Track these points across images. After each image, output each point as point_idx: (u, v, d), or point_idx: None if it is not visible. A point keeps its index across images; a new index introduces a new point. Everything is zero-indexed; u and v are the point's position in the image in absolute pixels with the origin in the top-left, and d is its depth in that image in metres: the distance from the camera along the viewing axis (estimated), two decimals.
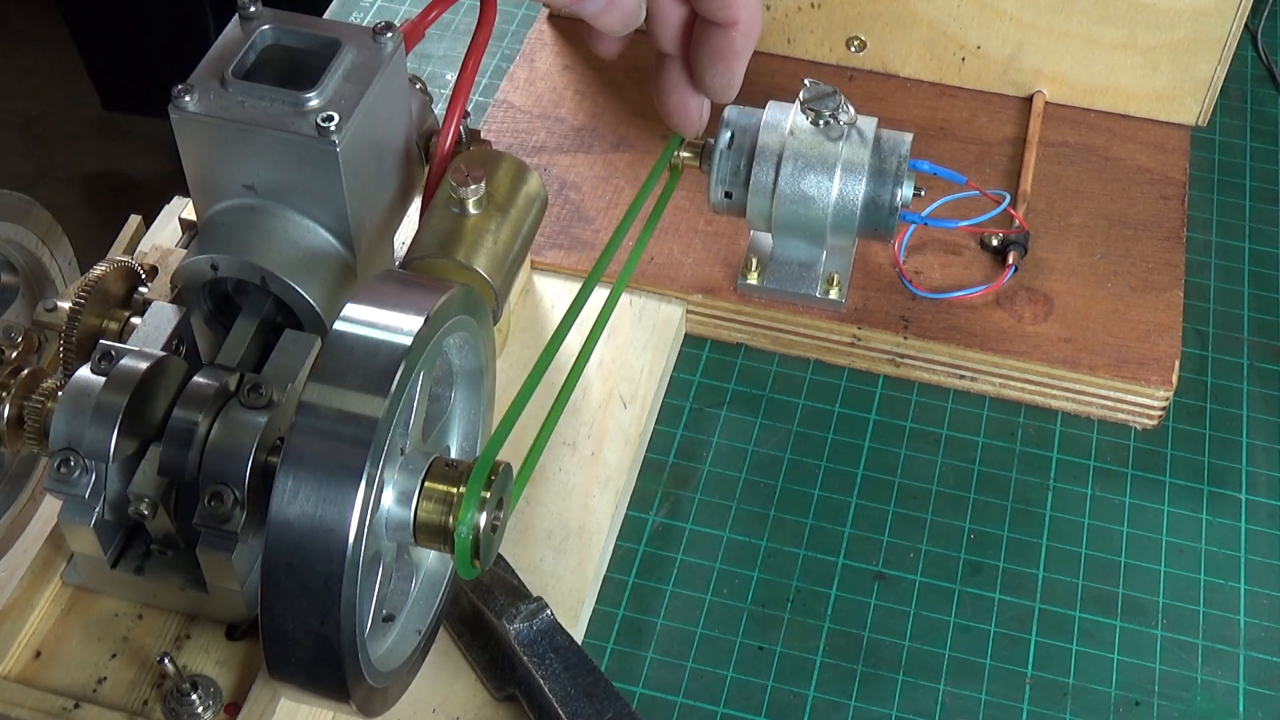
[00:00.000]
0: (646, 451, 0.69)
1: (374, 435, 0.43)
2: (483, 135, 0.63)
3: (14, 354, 0.54)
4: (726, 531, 0.66)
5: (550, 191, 0.76)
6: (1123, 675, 0.62)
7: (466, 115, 0.60)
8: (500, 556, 0.61)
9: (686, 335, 0.74)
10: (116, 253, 0.63)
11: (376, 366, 0.44)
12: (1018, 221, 0.76)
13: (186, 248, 0.57)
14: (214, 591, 0.51)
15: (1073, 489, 0.69)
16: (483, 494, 0.47)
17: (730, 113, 0.71)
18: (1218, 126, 0.86)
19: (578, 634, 0.61)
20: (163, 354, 0.51)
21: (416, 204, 0.62)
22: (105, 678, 0.51)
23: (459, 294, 0.49)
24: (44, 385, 0.53)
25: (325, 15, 0.88)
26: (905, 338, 0.72)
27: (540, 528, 0.64)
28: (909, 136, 0.70)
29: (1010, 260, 0.74)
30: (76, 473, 0.49)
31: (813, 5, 0.84)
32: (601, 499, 0.65)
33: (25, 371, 0.53)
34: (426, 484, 0.48)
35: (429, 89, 0.64)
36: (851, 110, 0.69)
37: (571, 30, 0.88)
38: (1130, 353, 0.71)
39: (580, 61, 0.86)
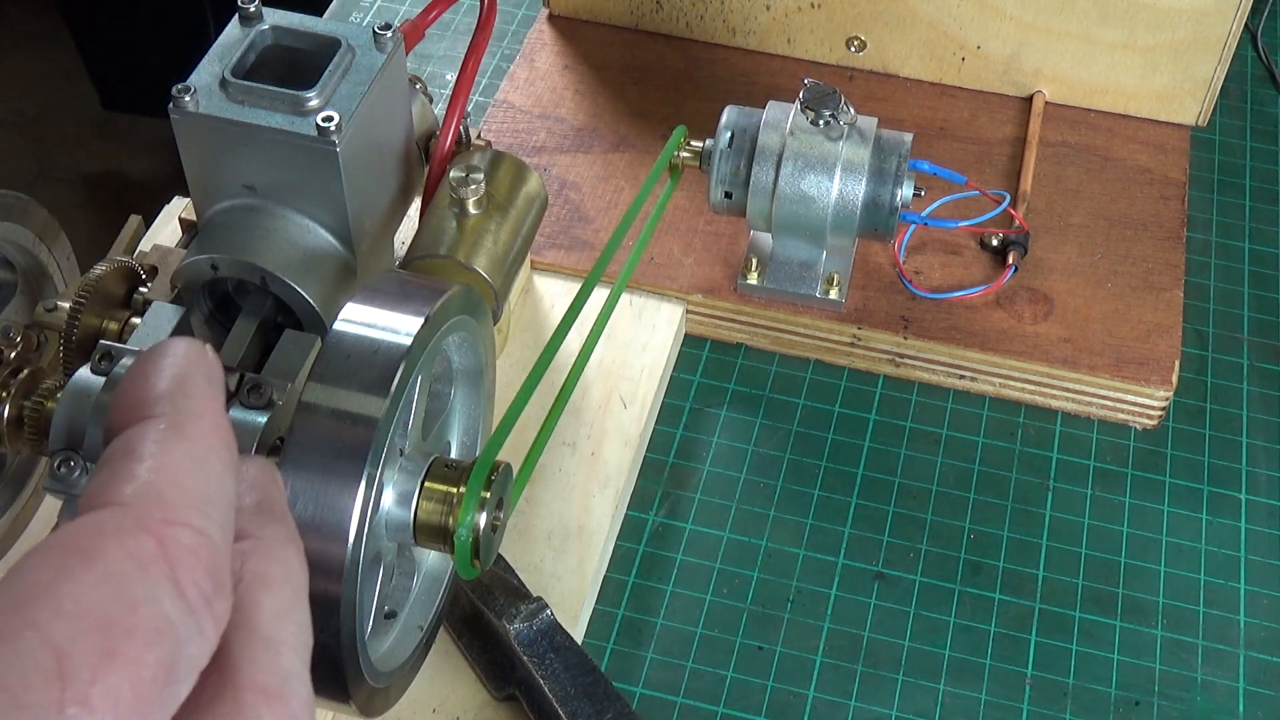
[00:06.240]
0: (646, 451, 0.69)
1: (374, 436, 0.43)
2: (483, 135, 0.63)
3: (13, 354, 0.54)
4: (726, 531, 0.66)
5: (550, 191, 0.76)
6: (1123, 675, 0.62)
7: (466, 115, 0.60)
8: (500, 556, 0.61)
9: (686, 335, 0.74)
10: (116, 253, 0.62)
11: (376, 367, 0.44)
12: (1018, 221, 0.76)
13: (186, 248, 0.57)
14: None
15: (1073, 489, 0.69)
16: (483, 494, 0.47)
17: (730, 113, 0.71)
18: (1218, 126, 0.86)
19: (578, 634, 0.61)
20: None
21: (416, 204, 0.62)
22: None
23: (459, 294, 0.49)
24: (44, 385, 0.53)
25: (325, 15, 0.88)
26: (905, 338, 0.72)
27: (540, 528, 0.64)
28: (909, 136, 0.70)
29: (1010, 260, 0.74)
30: (76, 473, 0.49)
31: (813, 5, 0.84)
32: (601, 499, 0.65)
33: (25, 371, 0.53)
34: (426, 484, 0.48)
35: (429, 89, 0.64)
36: (851, 110, 0.69)
37: (571, 30, 0.88)
38: (1130, 353, 0.71)
39: (580, 61, 0.86)
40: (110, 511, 0.28)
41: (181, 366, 0.31)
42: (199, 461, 0.29)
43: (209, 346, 0.33)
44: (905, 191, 0.68)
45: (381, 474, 0.44)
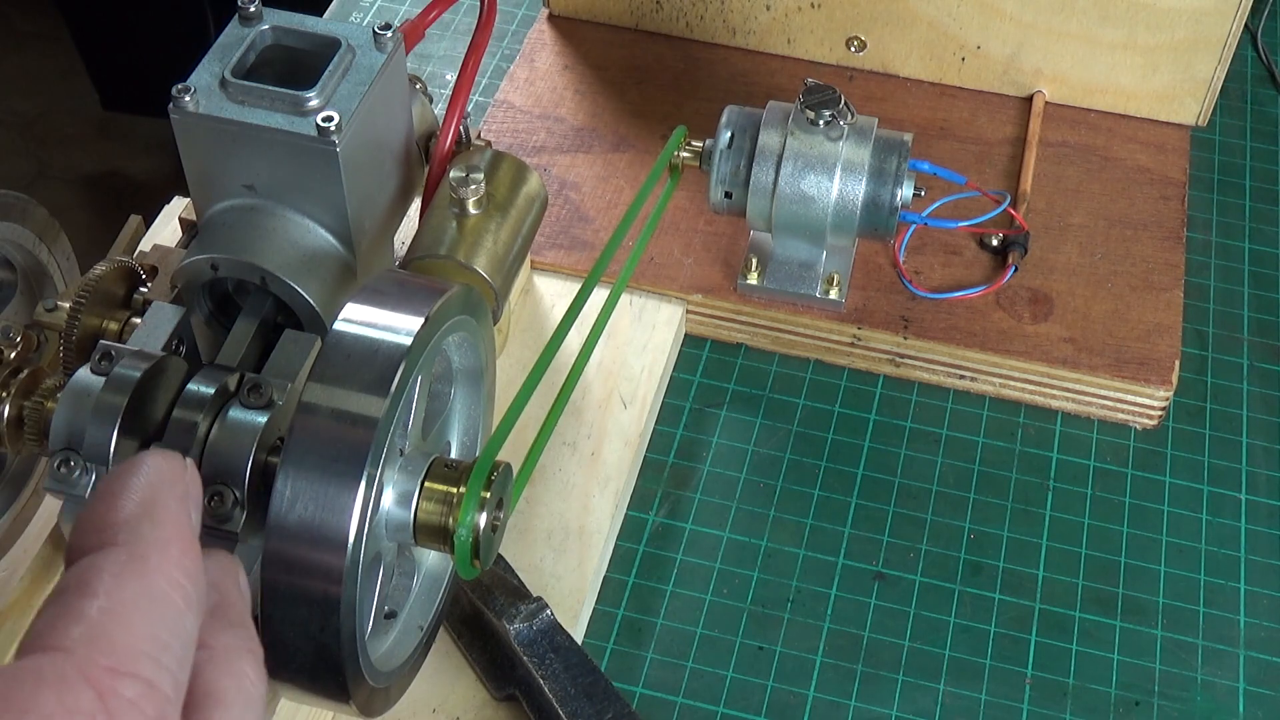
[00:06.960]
0: (646, 451, 0.69)
1: (374, 436, 0.43)
2: (483, 135, 0.63)
3: (13, 354, 0.54)
4: (726, 531, 0.66)
5: (550, 191, 0.76)
6: (1123, 675, 0.62)
7: (466, 115, 0.60)
8: (500, 556, 0.61)
9: (686, 335, 0.74)
10: (116, 253, 0.62)
11: (376, 367, 0.44)
12: (1018, 221, 0.76)
13: (186, 248, 0.57)
14: None
15: (1073, 489, 0.69)
16: (483, 494, 0.47)
17: (730, 113, 0.71)
18: (1218, 126, 0.86)
19: (578, 634, 0.61)
20: (163, 354, 0.51)
21: (416, 204, 0.62)
22: None
23: (459, 294, 0.49)
24: (44, 385, 0.53)
25: (325, 15, 0.88)
26: (905, 338, 0.72)
27: (540, 528, 0.64)
28: (909, 136, 0.70)
29: (1010, 260, 0.74)
30: (76, 473, 0.49)
31: (813, 5, 0.84)
32: (601, 499, 0.65)
33: (25, 371, 0.53)
34: (426, 484, 0.48)
35: (429, 89, 0.64)
36: (852, 110, 0.69)
37: (571, 30, 0.88)
38: (1130, 353, 0.71)
39: (580, 61, 0.86)
40: (51, 657, 0.26)
41: (152, 487, 0.29)
42: (157, 598, 0.28)
43: (189, 461, 0.30)
44: (905, 191, 0.68)
45: (381, 474, 0.44)
